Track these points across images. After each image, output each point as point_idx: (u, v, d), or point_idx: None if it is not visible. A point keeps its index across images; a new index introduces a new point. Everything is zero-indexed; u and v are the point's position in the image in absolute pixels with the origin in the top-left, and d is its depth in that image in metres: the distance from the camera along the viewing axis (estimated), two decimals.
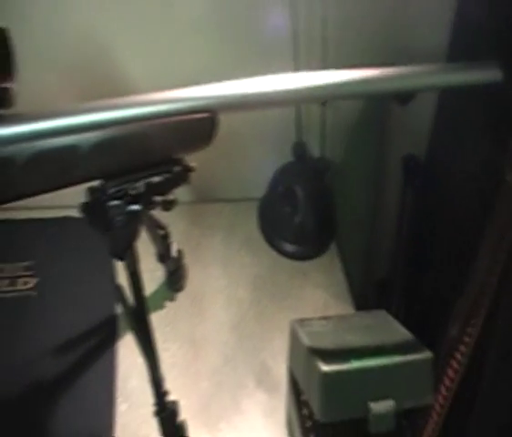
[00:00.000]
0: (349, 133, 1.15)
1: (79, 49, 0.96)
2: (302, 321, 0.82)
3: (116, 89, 0.98)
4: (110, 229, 0.65)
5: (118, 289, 0.72)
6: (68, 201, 0.97)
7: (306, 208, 1.10)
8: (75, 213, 0.99)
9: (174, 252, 0.95)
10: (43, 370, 0.85)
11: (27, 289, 0.93)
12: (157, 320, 0.95)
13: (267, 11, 0.98)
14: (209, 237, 1.08)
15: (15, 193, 0.60)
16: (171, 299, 0.99)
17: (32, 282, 0.94)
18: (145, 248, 0.97)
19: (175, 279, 0.98)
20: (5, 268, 0.96)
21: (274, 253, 1.08)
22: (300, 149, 1.13)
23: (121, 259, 0.68)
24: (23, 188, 0.59)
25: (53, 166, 0.58)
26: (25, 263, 0.96)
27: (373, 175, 1.19)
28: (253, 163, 1.14)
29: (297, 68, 0.97)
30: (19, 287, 0.94)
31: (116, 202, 0.63)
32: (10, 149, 0.56)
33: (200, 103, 0.59)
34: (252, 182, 1.15)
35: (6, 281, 0.94)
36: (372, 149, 1.18)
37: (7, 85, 0.55)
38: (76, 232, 0.99)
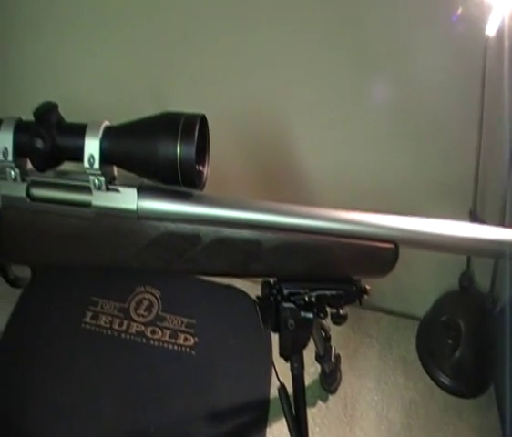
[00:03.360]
0: None
1: (260, 133, 0.98)
2: None
3: (293, 177, 1.00)
4: (281, 330, 0.67)
5: (282, 388, 0.73)
6: None
7: (468, 344, 1.04)
8: (239, 283, 1.02)
9: (333, 356, 0.92)
10: (191, 432, 0.83)
11: (187, 347, 0.92)
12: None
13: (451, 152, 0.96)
14: (367, 346, 1.04)
15: (194, 268, 0.63)
16: (323, 399, 0.94)
17: (192, 340, 0.93)
18: None
19: (329, 381, 0.94)
20: (168, 318, 0.96)
21: (429, 379, 1.01)
22: (467, 281, 1.08)
23: (287, 360, 0.70)
24: (202, 265, 0.62)
25: (234, 254, 0.60)
26: (188, 320, 0.96)
27: None
28: (418, 281, 1.11)
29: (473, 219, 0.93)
30: (179, 341, 0.93)
31: (290, 305, 0.65)
32: (198, 227, 0.60)
33: (387, 232, 0.59)
34: (414, 300, 1.11)
35: (168, 332, 0.94)
36: None
37: (202, 168, 0.59)
38: (238, 304, 0.99)
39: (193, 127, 0.57)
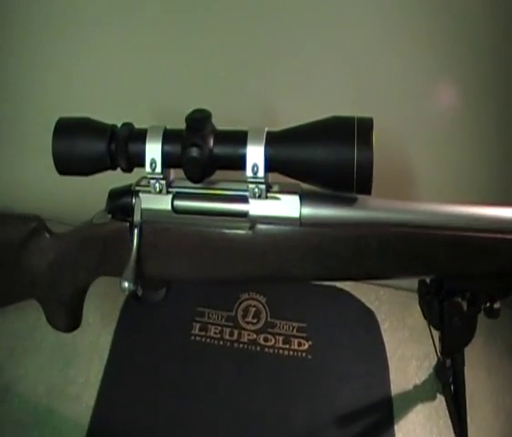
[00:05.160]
0: None
1: None
2: None
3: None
4: (445, 328, 0.67)
5: (446, 385, 0.77)
6: None
7: None
8: (347, 287, 1.00)
9: None
10: None
11: (302, 351, 0.91)
12: (429, 410, 0.91)
13: None
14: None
15: (359, 273, 0.63)
16: (441, 391, 0.92)
17: (306, 344, 0.92)
18: (415, 335, 0.95)
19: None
20: (279, 324, 0.94)
21: None
22: None
23: (450, 357, 0.73)
24: (368, 270, 0.61)
25: (404, 257, 0.60)
26: (298, 324, 0.95)
27: None
28: None
29: None
30: (294, 347, 0.92)
31: (454, 301, 0.65)
32: (364, 231, 0.59)
33: None
34: None
35: (281, 338, 0.92)
36: None
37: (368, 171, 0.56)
38: (345, 304, 0.97)
39: (369, 131, 0.56)
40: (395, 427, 0.86)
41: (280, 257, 0.63)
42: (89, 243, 0.71)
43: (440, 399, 0.94)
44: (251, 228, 0.62)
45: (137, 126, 0.64)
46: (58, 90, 1.04)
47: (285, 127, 0.60)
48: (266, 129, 0.60)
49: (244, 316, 0.96)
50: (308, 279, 0.66)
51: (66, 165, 0.65)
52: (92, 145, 0.63)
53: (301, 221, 0.61)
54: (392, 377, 0.90)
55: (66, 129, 0.64)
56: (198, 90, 0.96)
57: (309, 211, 0.61)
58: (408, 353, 0.94)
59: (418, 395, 0.90)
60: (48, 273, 0.74)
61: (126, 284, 0.66)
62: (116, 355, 0.90)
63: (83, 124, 0.65)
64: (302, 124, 0.59)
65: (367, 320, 0.95)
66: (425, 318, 0.69)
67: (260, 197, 0.61)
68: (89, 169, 0.65)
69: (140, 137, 0.62)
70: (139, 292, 0.75)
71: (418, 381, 0.92)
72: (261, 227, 0.62)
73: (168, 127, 0.63)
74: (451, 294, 0.65)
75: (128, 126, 0.64)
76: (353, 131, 0.55)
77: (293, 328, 0.94)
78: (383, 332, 0.95)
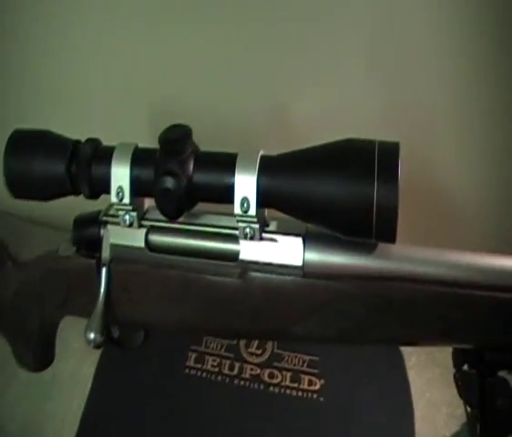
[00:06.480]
0: None
1: None
2: None
3: None
4: (486, 410, 0.53)
5: None
6: None
7: None
8: None
9: None
10: None
11: (313, 392, 0.78)
12: None
13: None
14: None
15: (379, 337, 0.50)
16: None
17: (318, 384, 0.79)
18: (446, 375, 0.81)
19: None
20: (286, 357, 0.82)
21: None
22: None
23: None
24: (390, 334, 0.50)
25: (429, 314, 0.48)
26: (309, 357, 0.82)
27: None
28: None
29: None
30: (303, 386, 0.79)
31: (499, 378, 0.52)
32: (384, 288, 0.47)
33: None
34: None
35: (289, 374, 0.80)
36: None
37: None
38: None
39: (394, 160, 0.42)
40: None
41: (277, 313, 0.50)
42: (53, 278, 0.60)
43: None
44: (242, 275, 0.50)
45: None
46: (62, 90, 0.95)
47: (284, 152, 0.47)
48: (260, 153, 0.47)
49: (247, 345, 0.83)
50: (312, 340, 0.53)
51: (20, 187, 0.54)
52: (49, 164, 0.52)
53: (304, 271, 0.48)
54: (417, 427, 0.77)
55: (21, 144, 0.53)
56: (203, 86, 0.84)
57: (315, 258, 0.48)
58: (437, 397, 0.80)
59: None
60: (12, 305, 0.64)
61: (91, 335, 0.55)
62: (98, 389, 0.79)
63: (40, 138, 0.53)
64: (306, 147, 0.46)
65: (390, 354, 0.81)
66: (461, 396, 0.55)
67: (252, 238, 0.48)
68: (47, 194, 0.54)
69: (105, 157, 0.50)
70: (115, 334, 0.63)
71: (448, 435, 0.79)
72: (254, 275, 0.50)
73: (140, 145, 0.51)
74: (496, 367, 0.51)
75: (92, 142, 0.52)
76: (373, 160, 0.42)
77: (304, 362, 0.81)
78: (408, 370, 0.81)
